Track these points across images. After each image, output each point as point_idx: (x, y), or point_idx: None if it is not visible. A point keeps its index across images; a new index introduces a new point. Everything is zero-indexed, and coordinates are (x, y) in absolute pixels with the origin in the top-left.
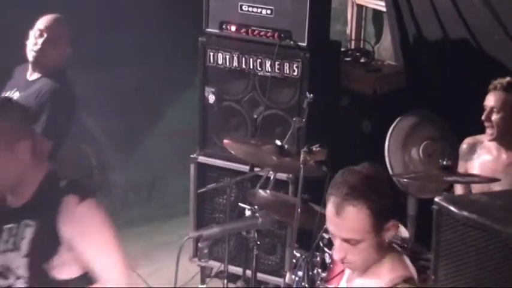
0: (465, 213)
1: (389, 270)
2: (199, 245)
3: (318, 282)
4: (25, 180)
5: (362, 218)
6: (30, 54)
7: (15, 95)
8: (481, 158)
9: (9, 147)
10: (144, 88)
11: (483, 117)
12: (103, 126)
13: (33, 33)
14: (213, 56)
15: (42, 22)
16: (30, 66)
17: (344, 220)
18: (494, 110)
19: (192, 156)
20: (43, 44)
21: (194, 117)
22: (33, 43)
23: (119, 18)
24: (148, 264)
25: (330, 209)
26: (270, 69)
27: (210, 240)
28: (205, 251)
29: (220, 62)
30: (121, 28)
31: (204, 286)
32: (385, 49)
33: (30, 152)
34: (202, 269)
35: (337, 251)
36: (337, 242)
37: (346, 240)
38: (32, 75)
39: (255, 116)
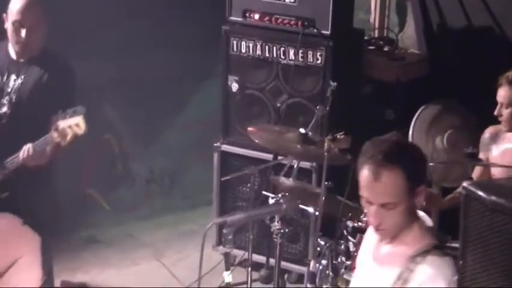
0: (493, 198)
1: (418, 238)
2: (224, 231)
3: (342, 270)
4: None
5: (398, 181)
6: (16, 46)
7: (11, 78)
8: (503, 146)
9: None
10: (166, 77)
11: (495, 113)
12: (125, 117)
13: (11, 23)
14: (236, 44)
15: (17, 11)
16: (16, 51)
17: (381, 184)
18: (503, 105)
19: (215, 145)
20: (26, 34)
21: (215, 107)
22: (15, 34)
23: (139, 7)
24: (172, 254)
25: (366, 176)
26: (293, 58)
27: (234, 227)
28: (230, 237)
29: (243, 50)
30: (142, 17)
31: (229, 272)
32: (409, 37)
33: None
34: (226, 256)
35: (374, 217)
36: (372, 209)
37: (383, 205)
38: (21, 57)
39: (278, 105)
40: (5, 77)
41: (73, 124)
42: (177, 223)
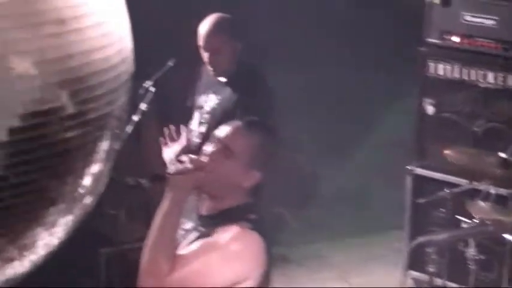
0: None
1: None
2: (427, 250)
3: None
4: (226, 197)
5: None
6: (208, 67)
7: (210, 97)
8: None
9: (248, 164)
10: (356, 97)
11: None
12: (313, 134)
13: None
14: (433, 66)
15: (201, 37)
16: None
17: None
18: None
19: (408, 167)
20: (210, 58)
21: (407, 128)
22: (204, 56)
23: (331, 24)
24: (360, 276)
25: None
26: (492, 81)
27: (437, 247)
28: (433, 256)
29: (440, 72)
30: (334, 34)
31: None
32: None
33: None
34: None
35: None
36: None
37: None
38: (216, 77)
39: (475, 129)
40: (206, 97)
41: None
42: (365, 245)
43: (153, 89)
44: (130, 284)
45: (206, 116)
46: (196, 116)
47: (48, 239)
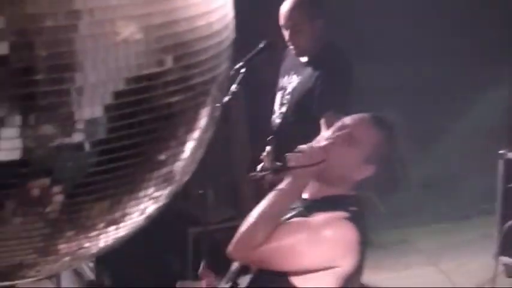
0: None
1: None
2: None
3: None
4: (334, 185)
5: None
6: (289, 47)
7: (293, 78)
8: None
9: (367, 157)
10: (447, 83)
11: None
12: (405, 119)
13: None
14: None
15: (281, 15)
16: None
17: None
18: None
19: (500, 152)
20: (290, 37)
21: (497, 115)
22: (285, 35)
23: (425, 14)
24: (449, 260)
25: None
26: None
27: None
28: None
29: None
30: (428, 23)
31: None
32: None
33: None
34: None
35: None
36: None
37: None
38: (298, 57)
39: None
40: (289, 78)
41: None
42: (453, 231)
43: (243, 70)
44: (217, 263)
45: (287, 96)
46: (278, 97)
47: (147, 204)
